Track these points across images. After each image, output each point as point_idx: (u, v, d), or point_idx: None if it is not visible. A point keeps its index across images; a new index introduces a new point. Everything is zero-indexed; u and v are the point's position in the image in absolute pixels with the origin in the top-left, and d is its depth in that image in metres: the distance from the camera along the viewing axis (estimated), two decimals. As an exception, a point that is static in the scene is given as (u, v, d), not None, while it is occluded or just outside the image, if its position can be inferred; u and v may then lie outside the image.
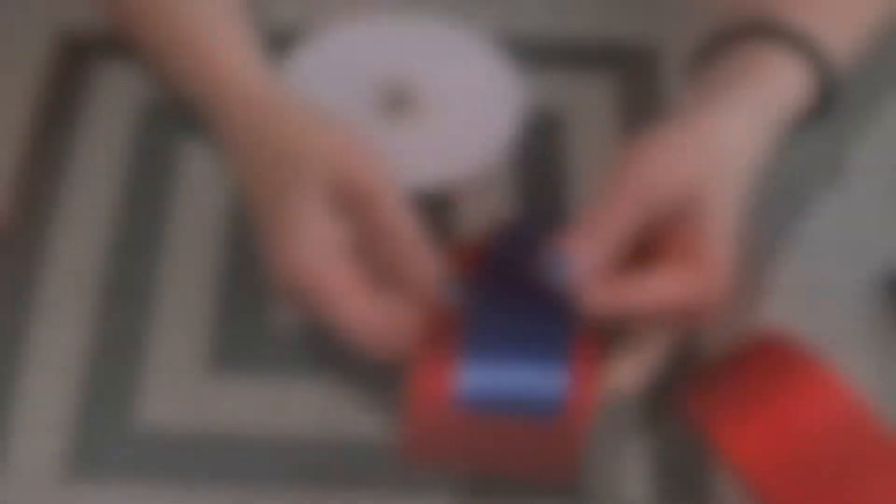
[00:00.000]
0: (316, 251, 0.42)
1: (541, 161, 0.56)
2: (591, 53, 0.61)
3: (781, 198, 0.55)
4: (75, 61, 0.59)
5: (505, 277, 0.42)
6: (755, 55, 0.46)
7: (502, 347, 0.40)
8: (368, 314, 0.41)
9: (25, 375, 0.48)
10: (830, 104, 0.47)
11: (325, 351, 0.48)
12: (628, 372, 0.43)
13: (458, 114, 0.57)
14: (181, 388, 0.48)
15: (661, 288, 0.41)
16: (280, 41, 0.59)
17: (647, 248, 0.43)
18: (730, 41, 0.47)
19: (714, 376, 0.47)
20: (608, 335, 0.43)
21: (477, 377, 0.40)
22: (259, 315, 0.50)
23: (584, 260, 0.41)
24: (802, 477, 0.42)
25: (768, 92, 0.45)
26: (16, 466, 0.45)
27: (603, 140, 0.57)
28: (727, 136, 0.43)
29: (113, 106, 0.57)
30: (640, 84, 0.59)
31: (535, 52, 0.60)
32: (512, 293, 0.42)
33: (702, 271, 0.41)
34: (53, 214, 0.53)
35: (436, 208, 0.54)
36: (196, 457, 0.46)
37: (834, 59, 0.46)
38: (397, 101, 0.58)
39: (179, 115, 0.55)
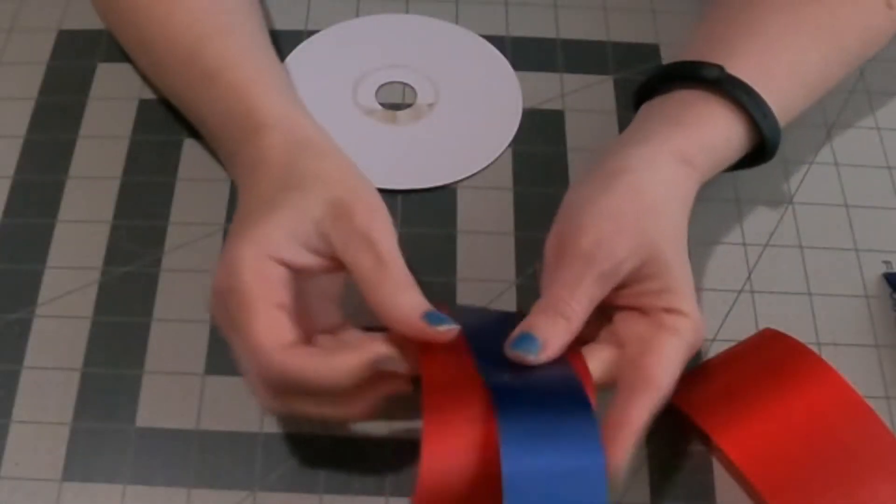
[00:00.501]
0: (266, 249, 0.40)
1: (541, 161, 0.56)
2: (591, 53, 0.60)
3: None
4: (75, 61, 0.59)
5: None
6: (695, 103, 0.47)
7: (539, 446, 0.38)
8: (285, 342, 0.39)
9: (26, 375, 0.48)
10: (769, 151, 0.48)
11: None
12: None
13: (458, 114, 0.57)
14: (181, 389, 0.48)
15: (666, 369, 0.41)
16: (280, 41, 0.59)
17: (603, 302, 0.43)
18: (671, 82, 0.48)
19: (712, 374, 0.47)
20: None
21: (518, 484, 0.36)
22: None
23: (554, 344, 0.40)
24: (803, 474, 0.42)
25: (685, 143, 0.45)
26: (16, 466, 0.45)
27: (603, 140, 0.57)
28: (652, 188, 0.43)
29: (113, 106, 0.57)
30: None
31: (535, 52, 0.60)
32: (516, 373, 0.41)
33: (687, 329, 0.42)
34: (54, 214, 0.53)
35: (436, 208, 0.54)
36: (196, 456, 0.46)
37: (771, 111, 0.47)
38: (397, 101, 0.58)
39: (177, 113, 0.55)
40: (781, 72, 0.48)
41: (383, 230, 0.41)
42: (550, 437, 0.37)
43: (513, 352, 0.40)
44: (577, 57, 0.60)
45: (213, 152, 0.54)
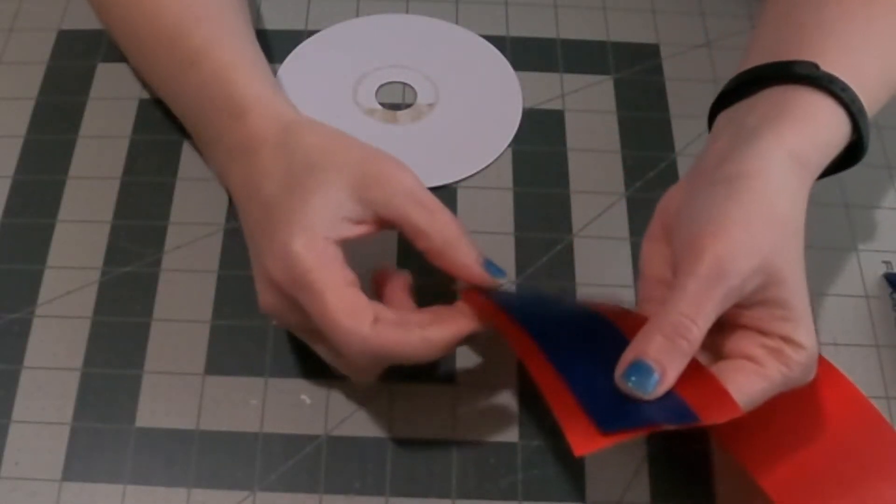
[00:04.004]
0: (320, 232, 0.41)
1: (541, 161, 0.56)
2: (591, 53, 0.60)
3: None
4: (75, 61, 0.59)
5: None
6: (796, 99, 0.43)
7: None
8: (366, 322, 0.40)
9: (26, 375, 0.48)
10: (861, 149, 0.45)
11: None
12: None
13: (458, 114, 0.57)
14: (181, 389, 0.48)
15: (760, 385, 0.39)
16: (280, 41, 0.59)
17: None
18: (758, 84, 0.45)
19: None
20: None
21: (604, 418, 0.37)
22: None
23: (672, 376, 0.37)
24: (811, 476, 0.42)
25: (809, 137, 0.42)
26: (16, 466, 0.45)
27: (603, 140, 0.57)
28: (778, 196, 0.40)
29: (113, 106, 0.57)
30: (640, 84, 0.59)
31: (535, 52, 0.60)
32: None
33: (800, 363, 0.39)
34: (54, 214, 0.53)
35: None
36: (196, 456, 0.46)
37: (862, 104, 0.44)
38: (397, 101, 0.58)
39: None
40: (872, 72, 0.45)
41: (417, 182, 0.42)
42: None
43: (626, 385, 0.37)
44: (577, 57, 0.60)
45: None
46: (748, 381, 0.39)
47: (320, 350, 0.44)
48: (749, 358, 0.39)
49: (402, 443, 0.46)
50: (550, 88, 0.59)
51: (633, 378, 0.37)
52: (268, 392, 0.48)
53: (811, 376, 0.40)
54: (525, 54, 0.60)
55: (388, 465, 0.46)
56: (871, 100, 0.44)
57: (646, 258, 0.43)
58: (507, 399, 0.48)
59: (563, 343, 0.40)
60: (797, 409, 0.43)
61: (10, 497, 0.44)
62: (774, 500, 0.41)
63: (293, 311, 0.42)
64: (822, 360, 0.44)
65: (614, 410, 0.37)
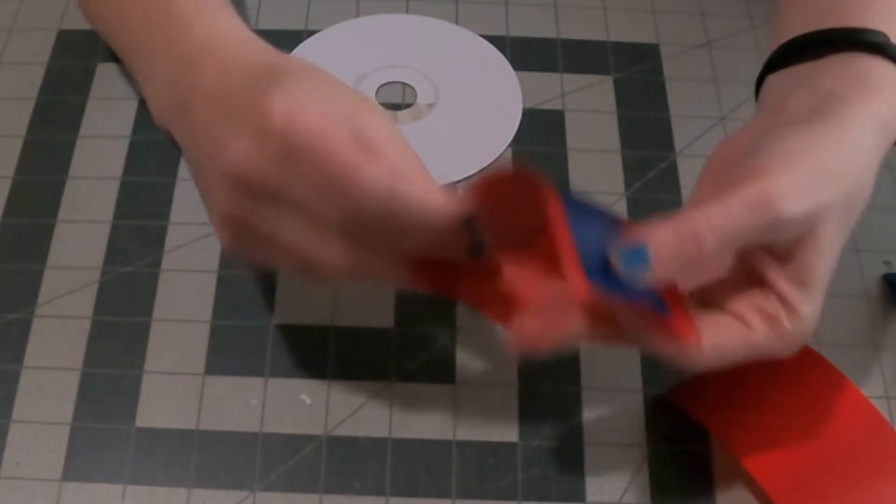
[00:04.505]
0: (334, 97, 0.36)
1: (541, 161, 0.56)
2: (591, 53, 0.60)
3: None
4: (75, 61, 0.59)
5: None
6: (865, 66, 0.41)
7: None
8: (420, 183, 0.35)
9: (26, 375, 0.48)
10: None
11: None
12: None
13: (458, 114, 0.57)
14: (181, 389, 0.48)
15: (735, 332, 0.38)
16: (280, 41, 0.59)
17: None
18: (823, 47, 0.42)
19: (718, 378, 0.47)
20: None
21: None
22: (255, 318, 0.50)
23: (669, 261, 0.35)
24: (811, 477, 0.42)
25: (888, 111, 0.40)
26: (16, 466, 0.45)
27: (603, 140, 0.57)
28: (856, 161, 0.38)
29: (113, 106, 0.57)
30: (640, 84, 0.59)
31: (535, 52, 0.60)
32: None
33: (795, 324, 0.38)
34: (54, 214, 0.53)
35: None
36: (196, 456, 0.46)
37: None
38: (397, 101, 0.58)
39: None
40: None
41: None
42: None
43: (616, 260, 0.36)
44: (577, 57, 0.60)
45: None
46: (728, 339, 0.37)
47: (300, 246, 0.38)
48: (740, 318, 0.38)
49: (402, 443, 0.46)
50: (550, 88, 0.59)
51: (626, 257, 0.35)
52: (268, 392, 0.48)
53: (793, 350, 0.39)
54: (525, 54, 0.60)
55: (388, 465, 0.46)
56: None
57: (706, 168, 0.40)
58: (507, 399, 0.48)
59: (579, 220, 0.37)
60: (797, 408, 0.43)
61: (10, 497, 0.44)
62: (774, 500, 0.41)
63: (269, 205, 0.36)
64: (822, 361, 0.44)
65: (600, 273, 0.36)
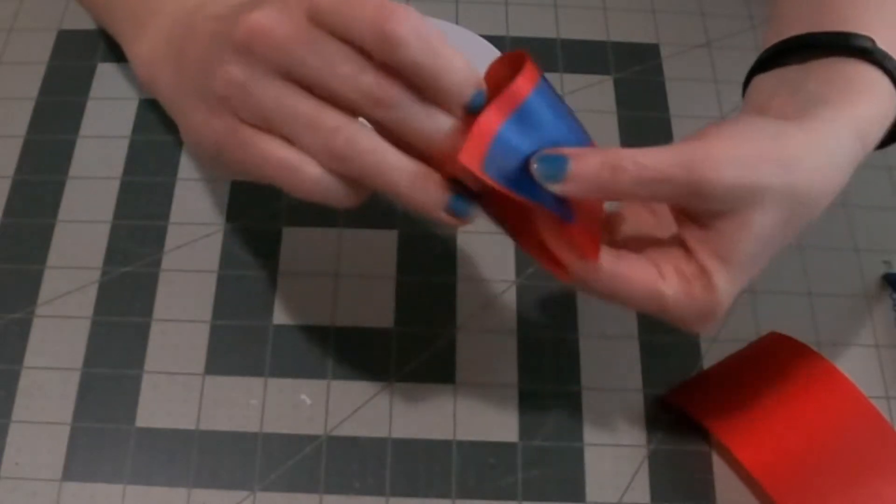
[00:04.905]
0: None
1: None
2: (591, 53, 0.60)
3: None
4: (75, 61, 0.59)
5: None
6: (849, 70, 0.41)
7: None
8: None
9: (26, 375, 0.48)
10: None
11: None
12: None
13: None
14: (181, 389, 0.48)
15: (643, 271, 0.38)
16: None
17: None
18: (809, 51, 0.43)
19: (719, 378, 0.47)
20: None
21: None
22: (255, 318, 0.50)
23: (585, 178, 0.36)
24: (811, 476, 0.42)
25: (867, 115, 0.40)
26: (16, 466, 0.45)
27: (603, 140, 0.57)
28: (816, 159, 0.38)
29: (113, 106, 0.57)
30: (640, 84, 0.59)
31: (535, 52, 0.60)
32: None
33: (705, 292, 0.37)
34: (54, 214, 0.53)
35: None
36: (196, 457, 0.46)
37: None
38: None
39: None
40: None
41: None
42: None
43: (534, 166, 0.36)
44: (577, 57, 0.60)
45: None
46: (634, 275, 0.38)
47: (301, 107, 0.36)
48: (654, 265, 0.38)
49: (402, 443, 0.46)
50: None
51: (544, 160, 0.36)
52: (268, 392, 0.48)
53: (701, 327, 0.39)
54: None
55: (388, 465, 0.46)
56: None
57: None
58: (507, 399, 0.48)
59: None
60: (797, 408, 0.43)
61: (10, 497, 0.44)
62: (774, 499, 0.41)
63: (276, 80, 0.36)
64: (822, 361, 0.45)
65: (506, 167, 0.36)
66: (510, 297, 0.51)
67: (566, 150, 0.36)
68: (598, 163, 0.36)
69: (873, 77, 0.41)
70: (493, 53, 0.60)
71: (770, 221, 0.37)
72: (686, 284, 0.38)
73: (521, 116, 0.36)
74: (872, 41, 0.41)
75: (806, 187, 0.38)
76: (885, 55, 0.41)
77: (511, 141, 0.36)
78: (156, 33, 0.44)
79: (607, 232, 0.41)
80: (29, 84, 0.57)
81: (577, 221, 0.37)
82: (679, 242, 0.39)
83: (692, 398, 0.46)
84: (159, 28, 0.43)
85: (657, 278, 0.38)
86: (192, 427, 0.47)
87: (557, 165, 0.36)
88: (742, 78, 0.45)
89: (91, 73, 0.58)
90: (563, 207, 0.37)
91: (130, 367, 0.48)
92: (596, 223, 0.39)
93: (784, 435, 0.43)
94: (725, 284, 0.38)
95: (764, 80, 0.44)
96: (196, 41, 0.39)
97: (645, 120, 0.58)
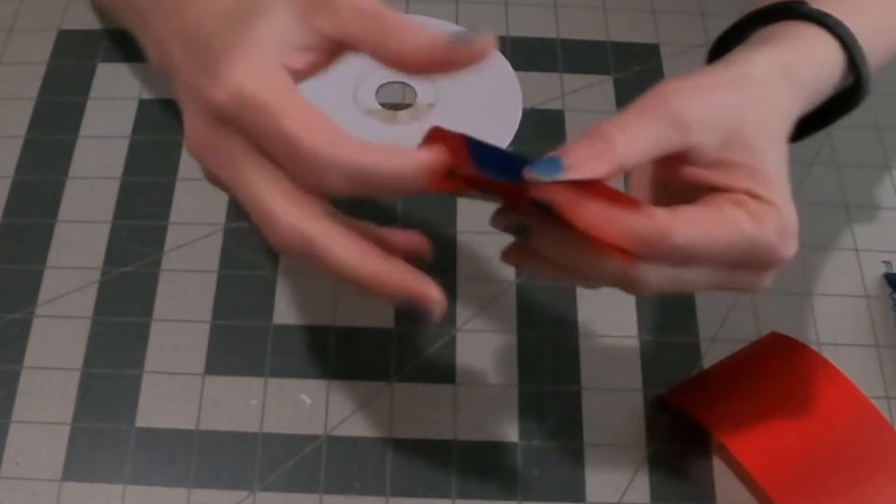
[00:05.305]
0: (277, 51, 0.36)
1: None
2: (591, 53, 0.60)
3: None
4: (75, 61, 0.59)
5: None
6: (786, 28, 0.43)
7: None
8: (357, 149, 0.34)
9: (26, 375, 0.48)
10: (859, 94, 0.44)
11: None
12: None
13: (458, 114, 0.57)
14: (181, 389, 0.48)
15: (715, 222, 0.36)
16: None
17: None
18: (758, 22, 0.45)
19: (719, 377, 0.47)
20: None
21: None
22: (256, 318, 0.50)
23: (582, 165, 0.35)
24: (811, 476, 0.42)
25: (798, 52, 0.41)
26: (16, 466, 0.45)
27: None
28: (756, 71, 0.39)
29: (113, 106, 0.57)
30: (640, 84, 0.59)
31: (535, 52, 0.60)
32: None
33: (767, 217, 0.36)
34: (54, 214, 0.53)
35: (436, 208, 0.54)
36: (196, 457, 0.46)
37: (856, 39, 0.43)
38: (397, 101, 0.58)
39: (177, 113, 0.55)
40: (869, 18, 0.44)
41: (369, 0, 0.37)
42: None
43: (530, 173, 0.35)
44: (577, 57, 0.60)
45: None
46: (709, 216, 0.36)
47: (259, 194, 0.36)
48: (715, 208, 0.37)
49: (402, 443, 0.46)
50: (550, 88, 0.59)
51: (538, 166, 0.35)
52: (268, 392, 0.48)
53: (788, 247, 0.37)
54: (525, 54, 0.60)
55: (388, 465, 0.46)
56: (868, 44, 0.44)
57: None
58: (507, 399, 0.48)
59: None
60: (797, 408, 0.43)
61: (10, 497, 0.44)
62: (774, 500, 0.41)
63: (232, 141, 0.36)
64: (822, 360, 0.45)
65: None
66: (510, 297, 0.51)
67: (551, 153, 0.36)
68: (584, 142, 0.36)
69: (805, 29, 0.42)
70: (494, 54, 0.60)
71: (768, 136, 0.38)
72: (748, 213, 0.36)
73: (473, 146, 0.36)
74: (802, 3, 0.43)
75: (768, 103, 0.39)
76: (821, 13, 0.43)
77: (481, 144, 0.36)
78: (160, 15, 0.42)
79: None
80: (29, 84, 0.57)
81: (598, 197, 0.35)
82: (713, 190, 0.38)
83: (692, 398, 0.46)
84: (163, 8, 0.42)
85: (726, 214, 0.36)
86: (192, 427, 0.47)
87: (552, 163, 0.35)
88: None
89: (91, 73, 0.58)
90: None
91: (130, 367, 0.48)
92: (619, 195, 0.37)
93: (784, 435, 0.43)
94: (780, 195, 0.37)
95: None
96: (182, 75, 0.39)
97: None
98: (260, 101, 0.35)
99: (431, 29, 0.36)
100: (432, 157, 0.35)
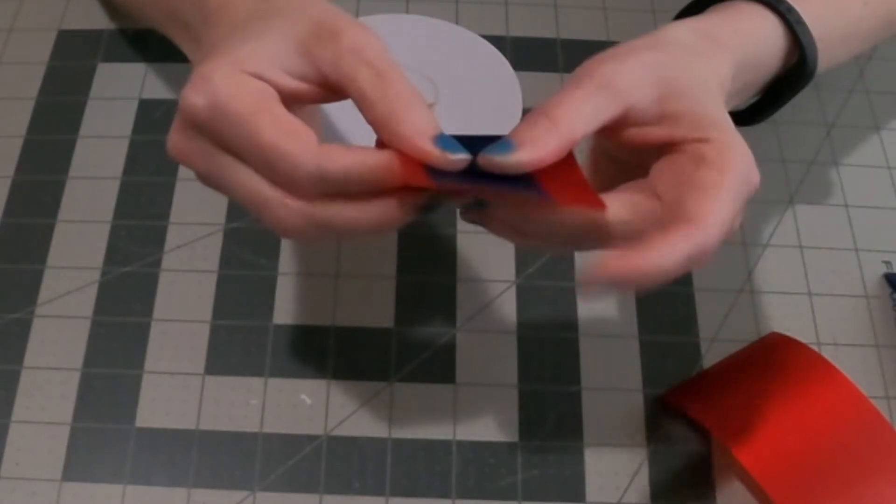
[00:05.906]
0: (241, 66, 0.36)
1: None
2: (591, 53, 0.60)
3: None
4: (75, 61, 0.59)
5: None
6: (727, 5, 0.44)
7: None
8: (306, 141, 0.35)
9: (26, 375, 0.48)
10: (806, 72, 0.45)
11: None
12: None
13: (458, 114, 0.57)
14: (181, 389, 0.48)
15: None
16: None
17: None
18: (709, 4, 0.45)
19: (719, 378, 0.47)
20: None
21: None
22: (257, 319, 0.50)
23: (533, 145, 0.36)
24: (811, 477, 0.42)
25: (721, 22, 0.42)
26: (16, 466, 0.45)
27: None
28: (674, 34, 0.41)
29: (113, 106, 0.57)
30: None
31: (535, 52, 0.60)
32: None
33: (730, 158, 0.37)
34: (54, 214, 0.53)
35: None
36: (196, 457, 0.46)
37: (801, 16, 0.44)
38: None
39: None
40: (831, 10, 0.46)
41: (377, 45, 0.38)
42: None
43: (484, 157, 0.35)
44: (577, 57, 0.60)
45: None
46: (692, 199, 0.36)
47: (246, 187, 0.37)
48: (680, 179, 0.37)
49: (402, 443, 0.47)
50: (550, 88, 0.58)
51: (491, 150, 0.36)
52: (268, 392, 0.48)
53: (756, 175, 0.38)
54: (525, 54, 0.60)
55: (388, 465, 0.46)
56: (817, 22, 0.44)
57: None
58: (507, 399, 0.48)
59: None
60: (797, 408, 0.43)
61: (10, 497, 0.44)
62: (774, 500, 0.41)
63: (208, 148, 0.37)
64: (822, 360, 0.45)
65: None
66: (510, 297, 0.51)
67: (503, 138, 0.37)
68: (528, 122, 0.37)
69: (740, 5, 0.44)
70: (494, 53, 0.60)
71: (699, 84, 0.39)
72: (706, 161, 0.37)
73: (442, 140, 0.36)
74: None
75: (689, 53, 0.40)
76: (785, 5, 0.44)
77: (451, 139, 0.36)
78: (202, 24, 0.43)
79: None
80: (29, 84, 0.57)
81: (558, 190, 0.36)
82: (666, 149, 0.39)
83: (692, 398, 0.46)
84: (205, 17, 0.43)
85: (686, 157, 0.37)
86: (192, 427, 0.47)
87: (503, 144, 0.36)
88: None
89: (91, 73, 0.58)
90: (522, 183, 0.36)
91: (130, 367, 0.48)
92: (575, 183, 0.38)
93: (783, 435, 0.43)
94: (729, 133, 0.38)
95: None
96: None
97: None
98: (228, 108, 0.35)
99: (419, 118, 0.36)
100: (391, 154, 0.36)
